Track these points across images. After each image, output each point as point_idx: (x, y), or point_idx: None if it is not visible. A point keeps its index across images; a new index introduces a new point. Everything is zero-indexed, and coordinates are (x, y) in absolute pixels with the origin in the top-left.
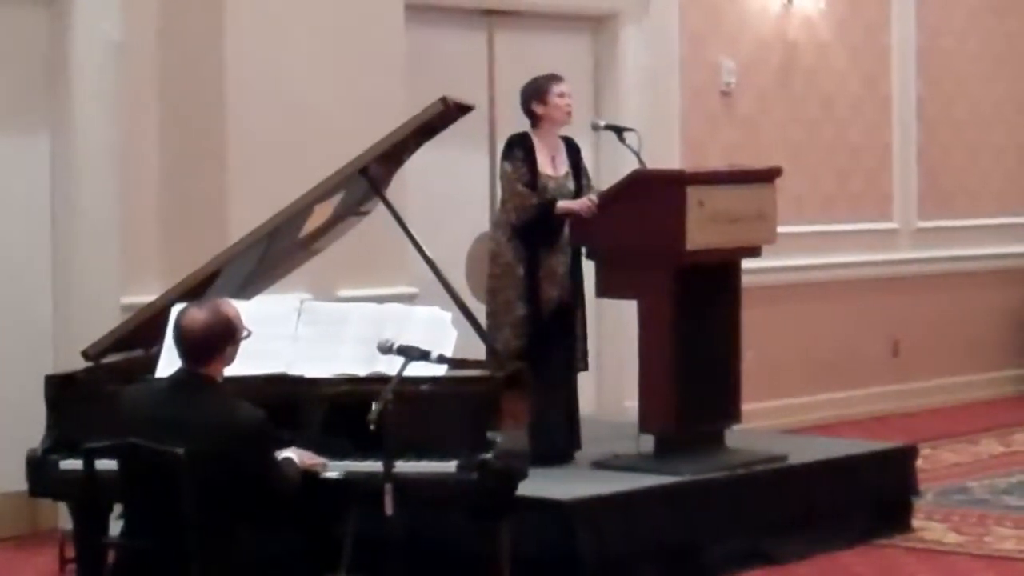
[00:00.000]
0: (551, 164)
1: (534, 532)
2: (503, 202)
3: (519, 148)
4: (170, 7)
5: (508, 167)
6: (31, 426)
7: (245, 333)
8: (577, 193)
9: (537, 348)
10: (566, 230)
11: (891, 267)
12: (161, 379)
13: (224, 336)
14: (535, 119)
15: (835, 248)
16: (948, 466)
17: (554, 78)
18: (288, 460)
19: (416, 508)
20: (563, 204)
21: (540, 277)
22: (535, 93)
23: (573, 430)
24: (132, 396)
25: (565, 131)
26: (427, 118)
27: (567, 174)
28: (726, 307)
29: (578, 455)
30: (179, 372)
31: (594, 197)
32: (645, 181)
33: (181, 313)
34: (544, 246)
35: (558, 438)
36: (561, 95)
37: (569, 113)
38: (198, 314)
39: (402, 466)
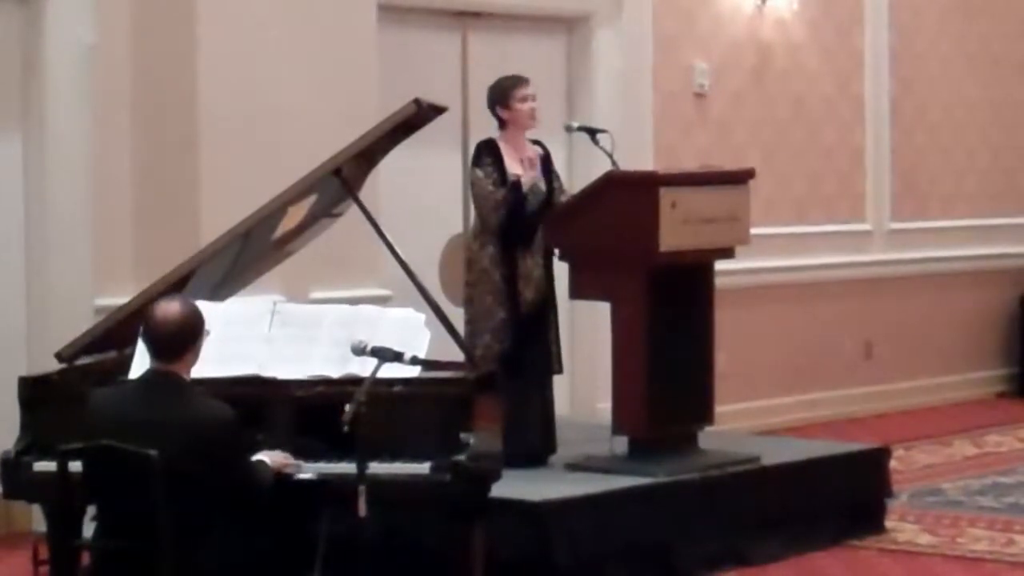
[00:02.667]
0: (520, 166)
1: (507, 534)
2: (477, 208)
3: (487, 154)
4: (143, 9)
5: (479, 173)
6: (4, 428)
7: (207, 330)
8: (550, 195)
9: (514, 351)
10: (539, 232)
11: (864, 269)
12: (130, 380)
13: (197, 329)
14: (501, 123)
15: (808, 250)
16: (921, 467)
17: (518, 82)
18: (261, 463)
19: (389, 509)
20: (526, 180)
21: (517, 280)
22: (499, 98)
23: (548, 433)
24: (102, 398)
25: (536, 134)
26: (400, 119)
27: (538, 176)
28: (699, 309)
29: (551, 457)
30: (148, 372)
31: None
32: (618, 183)
33: (152, 309)
34: (519, 249)
35: (533, 440)
36: (524, 99)
37: (534, 117)
38: (171, 308)
39: (376, 467)
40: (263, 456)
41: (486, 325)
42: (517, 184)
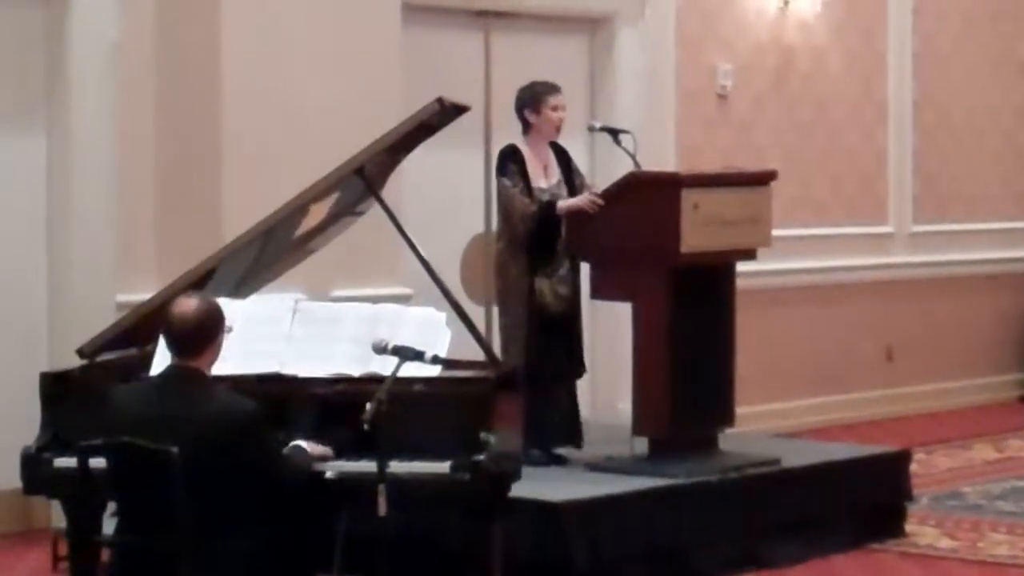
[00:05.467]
0: (543, 174)
1: (527, 534)
2: (505, 217)
3: (512, 161)
4: (167, 8)
5: (507, 182)
6: (26, 424)
7: (228, 327)
8: (572, 195)
9: (542, 353)
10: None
11: (886, 271)
12: (151, 376)
13: (217, 324)
14: (526, 126)
15: (830, 252)
16: (942, 471)
17: (551, 89)
18: (299, 448)
19: (409, 508)
20: (564, 204)
21: (545, 284)
22: (530, 101)
23: (575, 429)
24: (123, 394)
25: (559, 134)
26: (423, 119)
27: (559, 182)
28: (720, 310)
29: (572, 456)
30: (169, 368)
31: (595, 192)
32: (640, 183)
33: (172, 306)
34: (547, 250)
35: (554, 440)
36: (555, 108)
37: (559, 128)
38: (190, 303)
39: (396, 466)
40: (303, 443)
41: (521, 333)
42: (552, 205)
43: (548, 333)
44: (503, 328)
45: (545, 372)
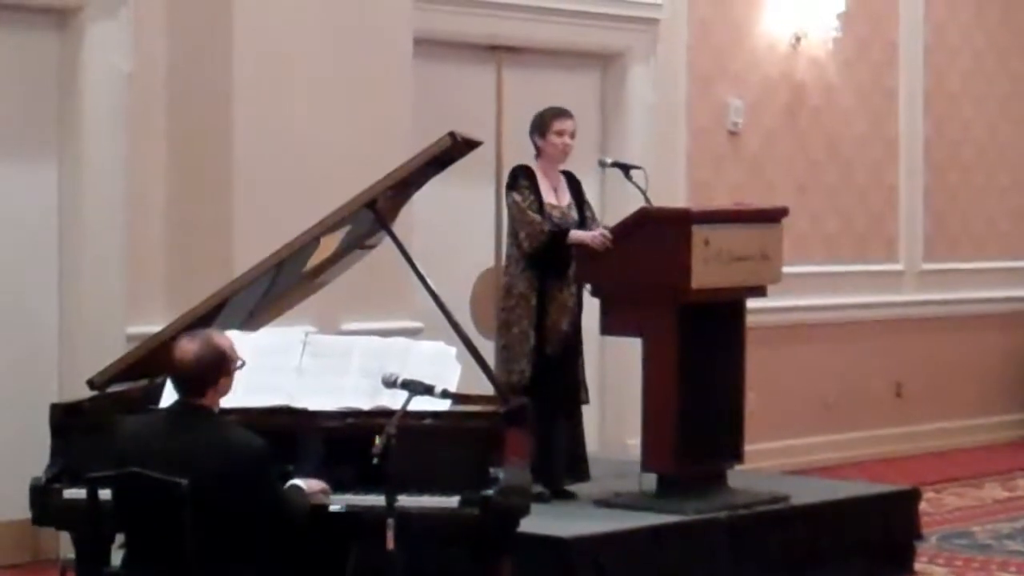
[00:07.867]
0: (554, 194)
1: (535, 569)
2: (514, 233)
3: (523, 178)
4: (179, 39)
5: (517, 196)
6: (35, 454)
7: (239, 363)
8: (581, 224)
9: (545, 378)
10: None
11: (896, 309)
12: (159, 409)
13: (216, 367)
14: (537, 150)
15: (840, 289)
16: (951, 510)
17: (558, 115)
18: (296, 487)
19: (418, 543)
20: (576, 235)
21: (552, 308)
22: (537, 125)
23: (579, 461)
24: (131, 425)
25: (570, 167)
26: (435, 152)
27: (570, 204)
28: (730, 346)
29: (580, 492)
30: (176, 403)
31: (606, 231)
32: (651, 219)
33: (173, 347)
34: (554, 278)
35: (559, 470)
36: (560, 133)
37: (565, 152)
38: (189, 345)
39: (404, 500)
40: (299, 482)
41: (522, 350)
42: (563, 233)
43: (552, 355)
44: (503, 348)
45: (545, 400)
